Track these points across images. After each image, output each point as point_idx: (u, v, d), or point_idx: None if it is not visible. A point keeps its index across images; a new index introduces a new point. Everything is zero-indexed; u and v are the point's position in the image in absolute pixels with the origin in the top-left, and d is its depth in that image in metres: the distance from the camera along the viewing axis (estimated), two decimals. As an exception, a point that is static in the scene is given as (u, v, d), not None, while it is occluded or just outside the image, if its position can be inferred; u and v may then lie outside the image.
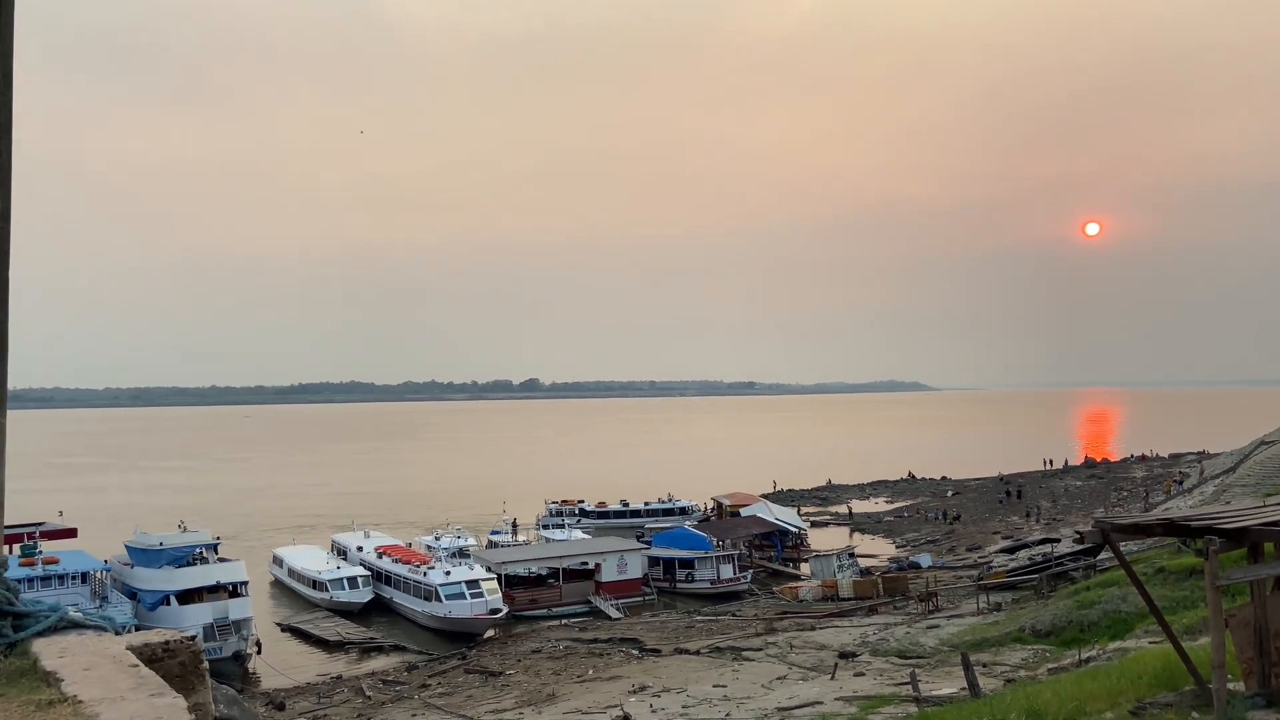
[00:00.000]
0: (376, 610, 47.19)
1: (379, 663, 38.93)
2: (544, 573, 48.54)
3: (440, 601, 42.76)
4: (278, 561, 55.02)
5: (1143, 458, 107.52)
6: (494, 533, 60.23)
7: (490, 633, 42.43)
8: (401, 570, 47.06)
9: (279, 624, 45.56)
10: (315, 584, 48.47)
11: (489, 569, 46.05)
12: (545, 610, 45.96)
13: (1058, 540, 50.43)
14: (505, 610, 43.22)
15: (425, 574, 44.58)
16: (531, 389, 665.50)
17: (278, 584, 54.14)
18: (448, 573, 43.90)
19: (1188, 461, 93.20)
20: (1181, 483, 69.06)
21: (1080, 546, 40.27)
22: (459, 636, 41.59)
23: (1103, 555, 38.00)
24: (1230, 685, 12.88)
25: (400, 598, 46.39)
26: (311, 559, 52.42)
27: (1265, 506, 14.91)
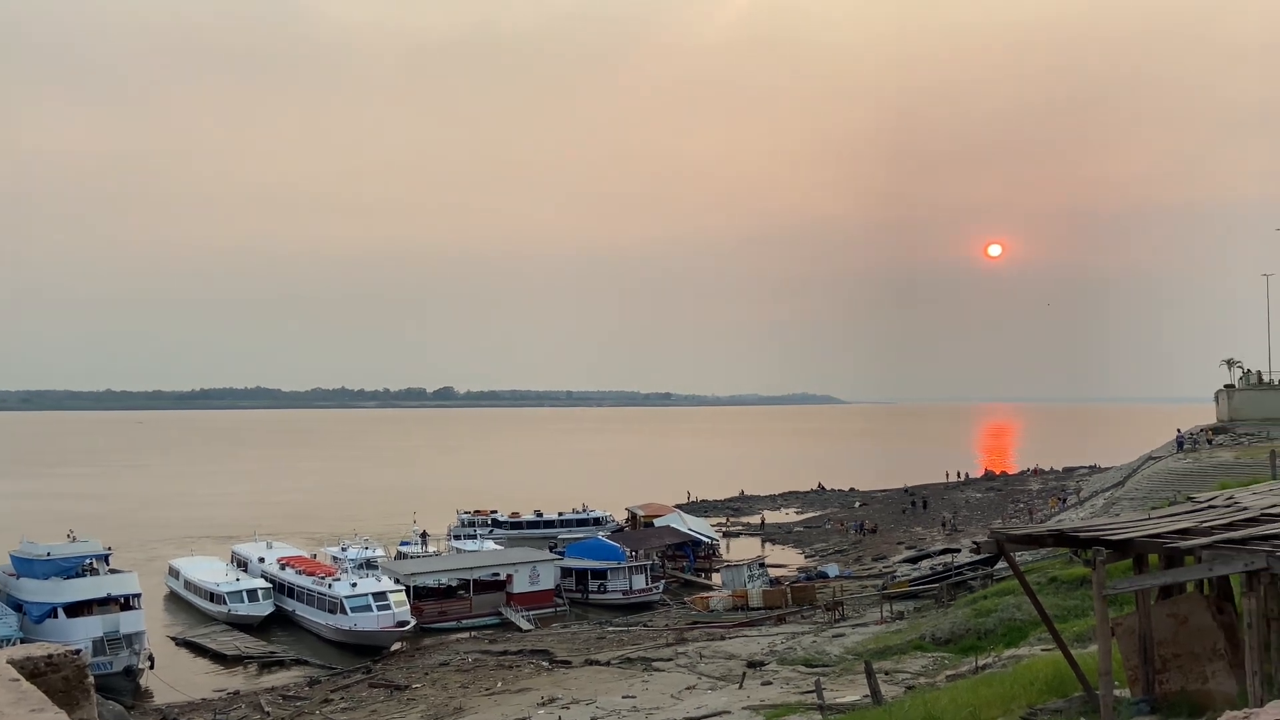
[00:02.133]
0: (278, 624, 45.90)
1: (279, 678, 37.85)
2: (454, 584, 47.93)
3: (345, 614, 41.80)
4: (173, 573, 53.16)
5: (1037, 471, 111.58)
6: (403, 543, 59.28)
7: (397, 646, 41.66)
8: (305, 582, 45.86)
9: (174, 638, 44.00)
10: (213, 596, 46.91)
11: (397, 580, 45.28)
12: (455, 622, 45.37)
13: (958, 550, 51.93)
14: (413, 623, 42.49)
15: (330, 586, 43.54)
16: (445, 397, 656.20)
17: (173, 596, 52.29)
18: (354, 585, 42.97)
19: (1080, 475, 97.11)
20: (1065, 500, 71.76)
21: (978, 557, 41.55)
22: (364, 650, 40.73)
23: (1000, 565, 39.29)
24: (1117, 692, 13.47)
25: (303, 610, 45.21)
26: (209, 571, 50.76)
27: (1149, 519, 15.64)
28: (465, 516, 71.15)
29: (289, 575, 47.72)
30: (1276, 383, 77.02)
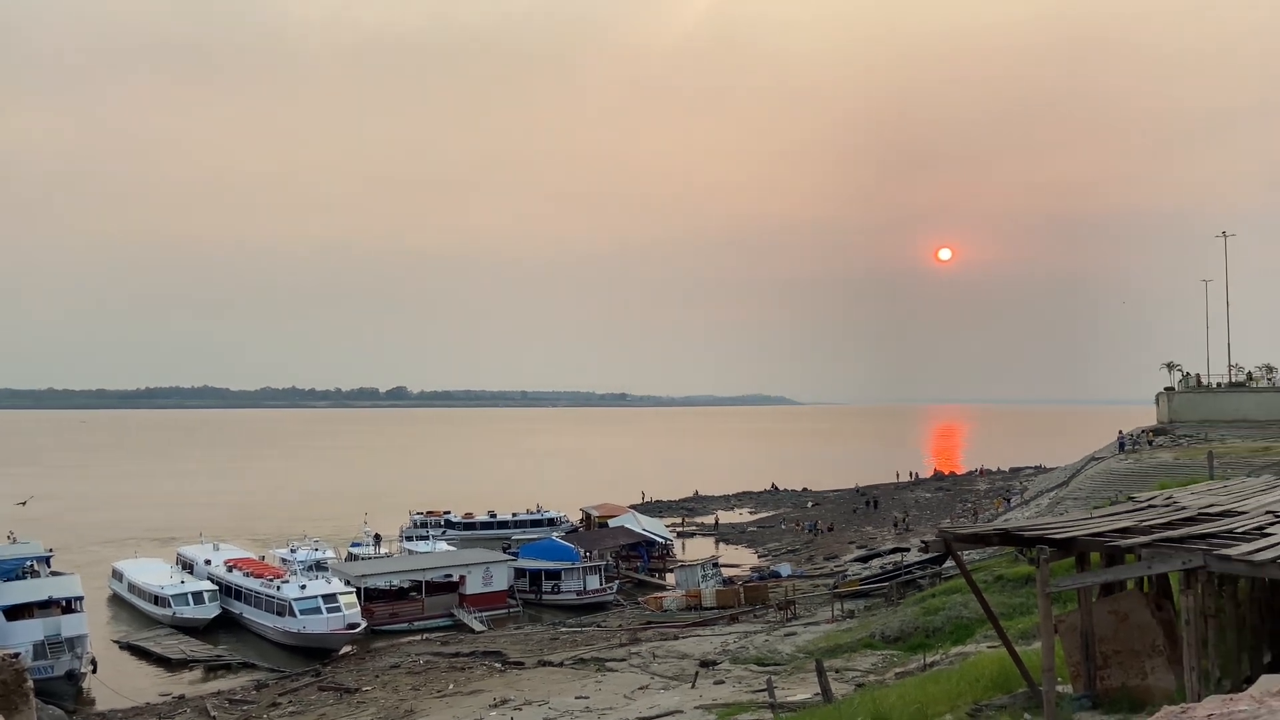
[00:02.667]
0: (224, 627, 45.12)
1: (225, 682, 37.22)
2: (406, 585, 47.50)
3: (294, 616, 41.23)
4: (117, 575, 52.04)
5: (984, 471, 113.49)
6: (354, 545, 58.58)
7: (347, 648, 41.16)
8: (253, 584, 45.15)
9: (117, 641, 43.08)
10: (157, 599, 46.00)
11: (347, 582, 44.77)
12: (406, 624, 44.98)
13: (907, 549, 52.63)
14: (364, 625, 42.04)
15: (278, 588, 42.93)
16: (399, 397, 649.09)
17: (116, 599, 51.16)
18: (303, 586, 42.42)
19: (1026, 475, 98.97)
20: (1010, 500, 73.06)
21: (927, 556, 42.16)
22: (313, 653, 40.20)
23: (949, 564, 39.93)
24: (1060, 688, 13.76)
25: (251, 613, 44.50)
26: (154, 573, 49.78)
27: (1092, 518, 16.01)
28: (418, 517, 70.53)
29: (236, 577, 46.95)
30: (1214, 386, 79.21)
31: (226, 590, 46.69)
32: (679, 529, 77.64)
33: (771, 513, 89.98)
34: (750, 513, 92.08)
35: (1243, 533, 12.80)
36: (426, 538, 61.84)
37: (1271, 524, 13.38)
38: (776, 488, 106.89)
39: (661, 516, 79.44)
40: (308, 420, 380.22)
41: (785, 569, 56.32)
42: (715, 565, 54.58)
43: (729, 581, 52.06)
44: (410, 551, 56.68)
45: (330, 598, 41.89)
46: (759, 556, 66.28)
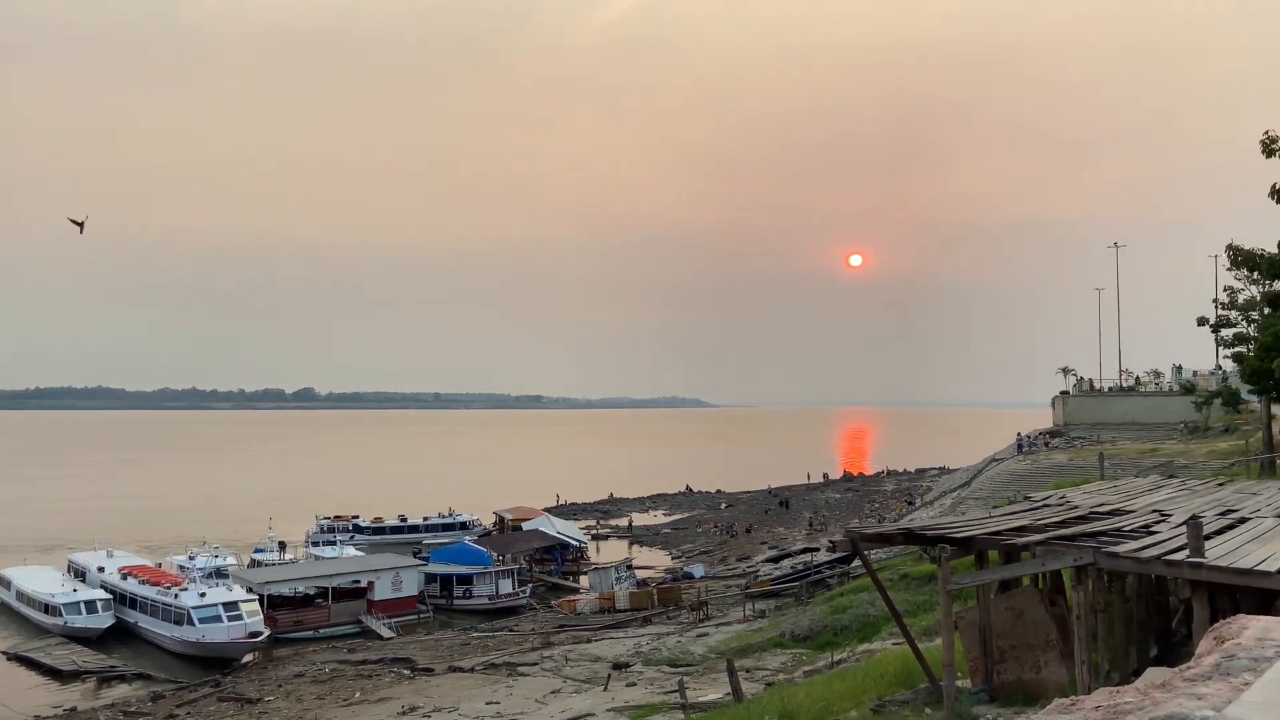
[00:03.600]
0: (119, 637, 43.33)
1: (120, 692, 35.77)
2: (311, 592, 46.39)
3: (193, 625, 39.86)
4: (5, 584, 49.58)
5: (890, 473, 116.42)
6: (258, 551, 57.00)
7: (249, 657, 39.98)
8: (149, 592, 43.47)
9: (5, 652, 41.10)
10: (48, 608, 43.95)
11: (250, 589, 43.49)
12: (312, 631, 43.87)
13: (817, 549, 53.56)
14: (266, 633, 40.86)
15: (176, 596, 41.43)
16: (306, 398, 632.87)
17: (4, 608, 48.70)
18: (202, 594, 41.01)
19: (930, 476, 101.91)
20: (912, 501, 75.10)
21: (836, 555, 42.99)
22: (213, 662, 38.92)
23: (857, 563, 40.78)
24: (960, 682, 14.17)
25: (147, 622, 42.85)
26: (44, 581, 47.54)
27: (991, 518, 16.53)
28: (325, 522, 68.95)
29: (131, 585, 45.15)
30: (1106, 390, 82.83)
31: (121, 599, 44.89)
32: (593, 531, 77.56)
33: (686, 514, 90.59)
34: (665, 515, 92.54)
35: (1130, 531, 13.38)
36: (334, 543, 60.50)
37: (1157, 522, 14.02)
38: (691, 490, 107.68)
39: (576, 519, 79.28)
40: (209, 422, 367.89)
41: (698, 570, 56.77)
42: (629, 567, 54.69)
43: (643, 583, 52.21)
44: (316, 557, 55.32)
45: (231, 605, 40.63)
46: (673, 558, 66.65)
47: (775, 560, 56.34)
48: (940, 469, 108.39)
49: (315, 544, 61.67)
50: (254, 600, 42.09)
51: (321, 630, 44.03)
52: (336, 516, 70.51)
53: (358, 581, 46.80)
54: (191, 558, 50.43)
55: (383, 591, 46.44)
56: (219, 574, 45.91)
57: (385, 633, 43.35)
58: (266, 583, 45.18)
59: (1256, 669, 6.37)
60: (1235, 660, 6.69)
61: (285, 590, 45.83)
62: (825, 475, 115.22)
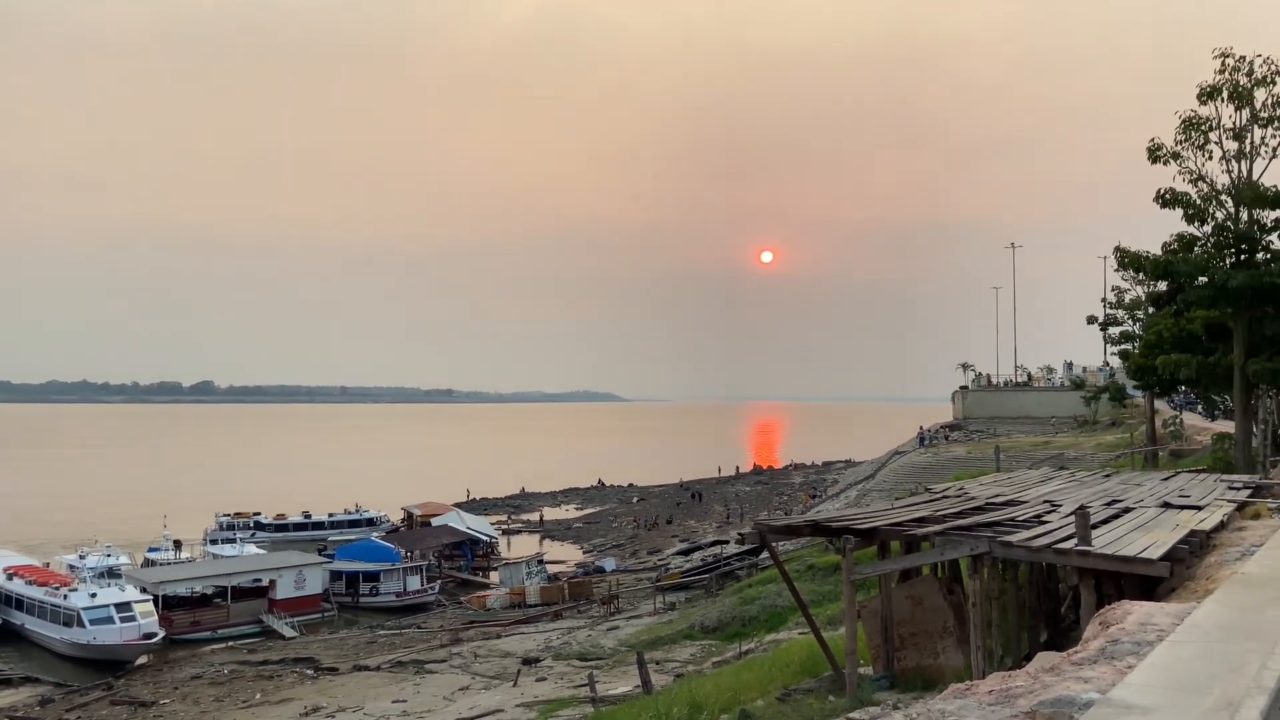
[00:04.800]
0: (4, 639, 41.27)
1: (7, 698, 34.06)
2: (209, 592, 44.97)
3: (83, 627, 38.21)
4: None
5: (798, 466, 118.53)
6: (152, 550, 54.92)
7: (143, 659, 38.55)
8: (36, 593, 41.51)
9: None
10: (-77, 613, 41.52)
11: (143, 589, 41.93)
12: (210, 632, 42.55)
13: (727, 541, 54.22)
14: (161, 634, 39.44)
15: (65, 597, 39.69)
16: (205, 392, 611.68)
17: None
18: (93, 595, 39.37)
19: (837, 469, 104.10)
20: (816, 495, 76.64)
21: (746, 547, 43.62)
22: (105, 665, 37.40)
23: (766, 554, 41.45)
24: (862, 669, 14.51)
25: (34, 624, 40.90)
26: (-80, 585, 44.85)
27: (893, 509, 16.97)
28: (224, 519, 66.77)
29: (17, 586, 43.06)
30: (1002, 385, 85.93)
31: (6, 600, 42.84)
32: (504, 527, 76.98)
33: (598, 508, 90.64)
34: (577, 509, 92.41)
35: (1023, 521, 13.90)
36: (233, 541, 58.68)
37: (1048, 512, 14.59)
38: (603, 484, 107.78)
39: (487, 514, 78.55)
40: (100, 416, 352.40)
41: (610, 564, 56.89)
42: (540, 562, 54.50)
43: (554, 578, 52.08)
44: (215, 556, 53.61)
45: (124, 606, 39.11)
46: (584, 552, 66.62)
47: (686, 553, 56.85)
48: (846, 462, 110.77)
49: (214, 542, 59.80)
50: (148, 601, 40.65)
51: (220, 631, 42.78)
52: (236, 514, 68.37)
53: (258, 580, 45.60)
54: (82, 557, 48.34)
55: (285, 590, 45.30)
56: (111, 574, 44.21)
57: (288, 632, 42.34)
58: (161, 582, 43.70)
59: (1139, 653, 6.69)
60: (1119, 645, 7.01)
61: (181, 590, 44.39)
62: (737, 468, 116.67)
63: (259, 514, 68.91)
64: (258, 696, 30.88)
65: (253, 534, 63.63)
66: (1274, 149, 24.81)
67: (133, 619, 38.79)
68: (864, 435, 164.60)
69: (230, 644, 41.21)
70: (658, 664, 26.18)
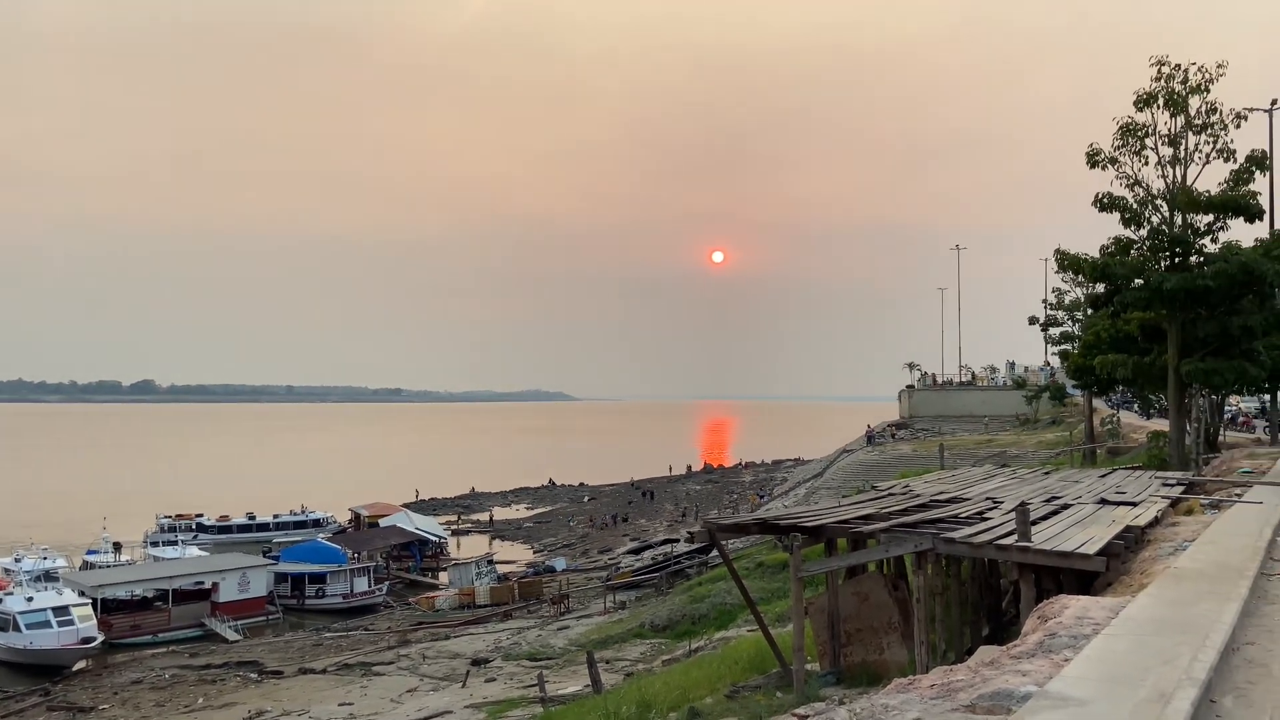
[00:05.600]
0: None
1: (-65, 708, 32.99)
2: (150, 595, 44.04)
3: (20, 631, 37.24)
4: None
5: (748, 464, 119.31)
6: (90, 552, 53.62)
7: (81, 665, 37.64)
8: (-32, 599, 40.28)
9: None
10: None
11: (82, 593, 40.93)
12: (151, 636, 41.69)
13: (677, 540, 54.41)
14: (100, 638, 38.54)
15: (1, 601, 38.66)
16: (145, 391, 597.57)
17: None
18: (30, 599, 38.41)
19: (787, 467, 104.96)
20: (762, 495, 77.22)
21: (696, 545, 43.81)
22: (43, 670, 36.47)
23: (716, 553, 41.67)
24: (810, 666, 14.67)
25: (-34, 630, 39.69)
26: None
27: (840, 506, 17.18)
28: (165, 521, 65.41)
29: (-53, 592, 41.71)
30: (947, 384, 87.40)
31: (-65, 606, 41.42)
32: (454, 527, 76.40)
33: (549, 508, 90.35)
34: (528, 508, 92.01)
35: (966, 517, 14.16)
36: (175, 543, 57.54)
37: (990, 509, 14.88)
38: (554, 483, 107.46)
39: (436, 515, 77.89)
40: (36, 415, 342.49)
41: (560, 563, 56.76)
42: (490, 562, 54.18)
43: (504, 578, 51.83)
44: (156, 558, 52.48)
45: (61, 610, 38.19)
46: (535, 552, 66.37)
47: (637, 552, 56.90)
48: (795, 460, 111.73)
49: (154, 544, 58.58)
50: (86, 604, 39.73)
51: (161, 635, 41.98)
52: (178, 515, 67.02)
53: (201, 583, 44.80)
54: (17, 560, 47.10)
55: (228, 593, 44.54)
56: (48, 577, 43.21)
57: (231, 635, 41.64)
58: (100, 585, 42.74)
59: (1076, 646, 6.86)
60: (1057, 638, 7.19)
61: (121, 593, 43.48)
62: (689, 467, 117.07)
63: (201, 515, 67.65)
64: (200, 701, 30.31)
65: (195, 536, 62.48)
66: (1207, 155, 25.51)
67: (70, 623, 37.91)
68: (813, 434, 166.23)
69: (172, 648, 40.45)
70: (608, 663, 26.19)
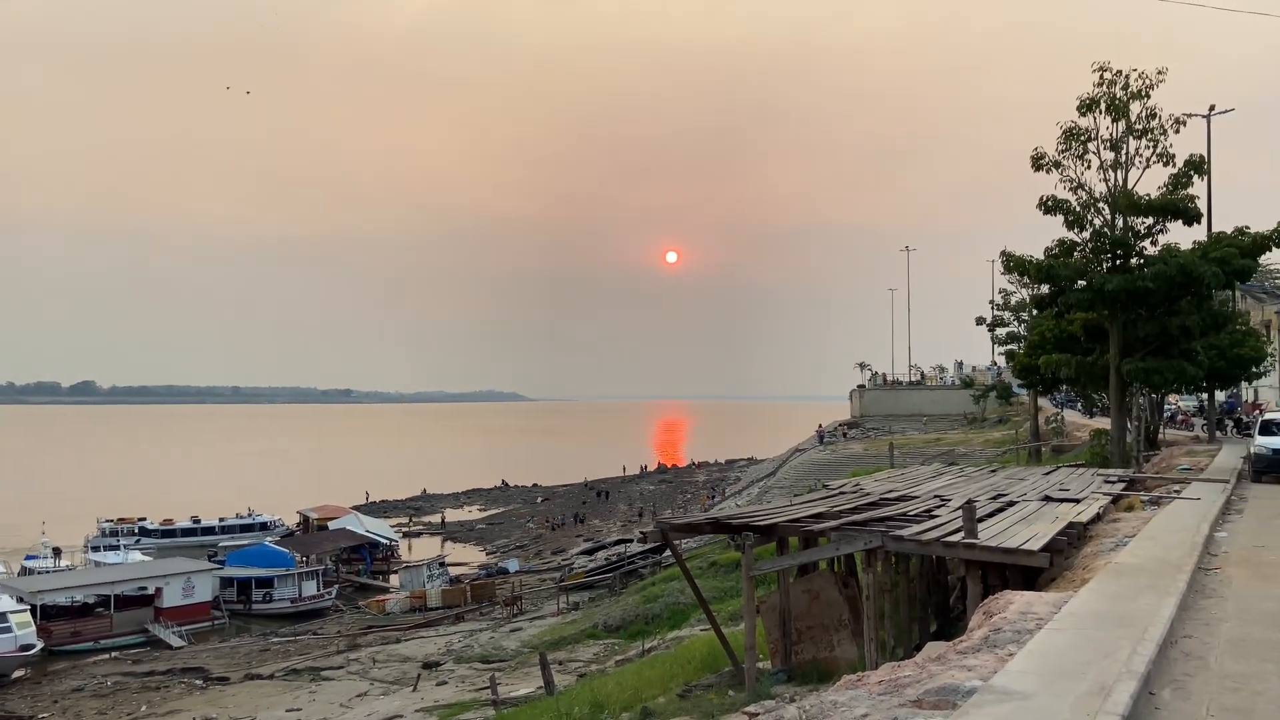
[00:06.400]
0: None
1: None
2: (91, 601, 42.96)
3: (-46, 640, 36.04)
4: None
5: (702, 464, 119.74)
6: (29, 558, 52.23)
7: (20, 672, 36.57)
8: (-98, 607, 38.93)
9: None
10: None
11: (20, 599, 39.79)
12: (92, 643, 40.68)
13: (631, 540, 54.41)
14: (39, 646, 37.49)
15: (-65, 609, 37.38)
16: (85, 393, 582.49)
17: None
18: (-35, 607, 37.18)
19: (740, 467, 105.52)
20: (714, 496, 77.51)
21: (649, 545, 43.84)
22: (-22, 680, 35.34)
23: (669, 553, 41.73)
24: (761, 664, 14.75)
25: (-101, 639, 38.36)
26: None
27: (792, 505, 17.30)
28: (107, 525, 63.88)
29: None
30: (897, 383, 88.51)
31: None
32: (405, 529, 75.64)
33: (502, 509, 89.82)
34: (480, 510, 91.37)
35: (915, 515, 14.34)
36: (117, 547, 56.19)
37: (938, 507, 15.09)
38: (507, 484, 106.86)
39: (387, 517, 77.04)
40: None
41: (513, 564, 56.46)
42: (442, 564, 53.72)
43: (456, 580, 51.41)
44: (97, 563, 51.22)
45: (-2, 618, 37.04)
46: (488, 554, 65.96)
47: (590, 553, 56.79)
48: (749, 460, 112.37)
49: (96, 549, 57.19)
50: (25, 611, 38.63)
51: (103, 641, 41.01)
52: (120, 519, 65.51)
53: (144, 588, 43.85)
54: (-51, 568, 45.64)
55: (172, 598, 43.62)
56: (-17, 584, 41.78)
57: (175, 642, 40.81)
58: (40, 591, 41.69)
59: (1020, 640, 6.98)
60: (1001, 633, 7.30)
61: (61, 599, 42.39)
62: (644, 467, 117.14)
63: (144, 519, 66.21)
64: (143, 709, 29.63)
65: (137, 540, 61.13)
66: (1147, 159, 26.15)
67: (9, 630, 36.84)
68: (766, 433, 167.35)
69: (114, 655, 39.52)
70: (561, 664, 26.10)
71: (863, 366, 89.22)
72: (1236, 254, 25.89)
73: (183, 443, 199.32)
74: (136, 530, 63.65)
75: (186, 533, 65.23)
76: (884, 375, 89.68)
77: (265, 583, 47.50)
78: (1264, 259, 31.07)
